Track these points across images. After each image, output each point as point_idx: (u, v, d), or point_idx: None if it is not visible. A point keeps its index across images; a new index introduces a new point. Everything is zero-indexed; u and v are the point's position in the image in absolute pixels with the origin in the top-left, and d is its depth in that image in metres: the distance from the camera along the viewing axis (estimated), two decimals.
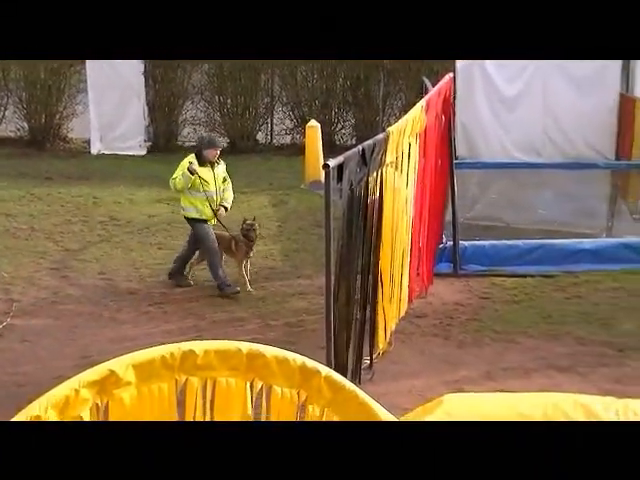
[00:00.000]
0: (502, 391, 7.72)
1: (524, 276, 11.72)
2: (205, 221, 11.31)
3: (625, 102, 19.67)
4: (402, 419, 5.30)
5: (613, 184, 19.37)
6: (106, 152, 21.49)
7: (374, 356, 8.78)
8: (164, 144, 22.10)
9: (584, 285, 11.46)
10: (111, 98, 21.07)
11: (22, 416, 3.84)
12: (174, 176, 11.19)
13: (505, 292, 11.23)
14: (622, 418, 5.73)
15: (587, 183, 18.15)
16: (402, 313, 9.86)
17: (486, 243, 12.47)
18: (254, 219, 11.59)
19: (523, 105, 19.39)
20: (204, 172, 11.24)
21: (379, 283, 8.72)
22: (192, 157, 11.30)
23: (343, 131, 22.81)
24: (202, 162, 11.26)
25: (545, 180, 18.16)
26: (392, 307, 9.27)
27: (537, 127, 19.64)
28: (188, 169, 11.03)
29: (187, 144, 22.84)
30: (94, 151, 21.63)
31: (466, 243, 12.24)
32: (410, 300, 10.37)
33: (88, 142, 21.94)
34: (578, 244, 12.45)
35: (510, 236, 13.10)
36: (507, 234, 13.47)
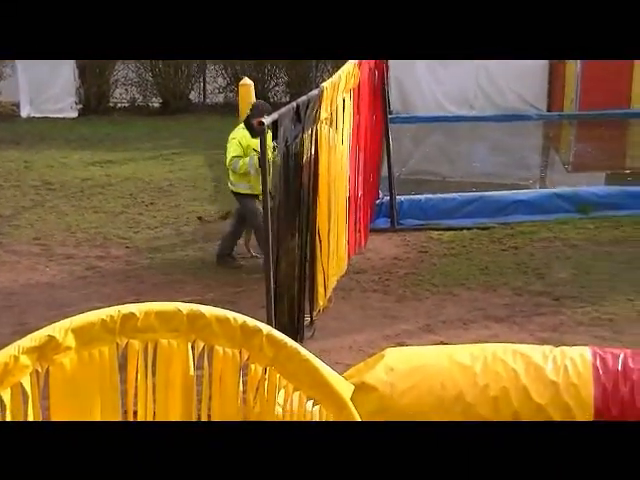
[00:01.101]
0: (442, 343, 7.82)
1: (460, 229, 11.81)
2: (257, 196, 10.25)
3: None
4: (344, 375, 5.34)
5: (545, 135, 19.56)
6: (36, 115, 21.18)
7: (314, 313, 8.81)
8: (96, 105, 21.83)
9: (519, 236, 11.59)
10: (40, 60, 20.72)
11: None
12: (233, 154, 10.21)
13: (442, 245, 11.32)
14: (559, 365, 5.84)
15: (520, 135, 18.32)
16: (341, 269, 9.89)
17: (422, 197, 12.52)
18: None
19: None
20: (256, 144, 10.11)
21: (317, 240, 8.73)
22: (243, 130, 10.30)
23: (277, 88, 22.70)
24: (253, 133, 9.98)
25: (479, 133, 18.30)
26: (331, 264, 9.29)
27: (470, 81, 19.73)
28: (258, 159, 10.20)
29: (119, 105, 22.61)
30: (24, 114, 21.30)
31: (402, 198, 12.29)
32: (349, 256, 10.40)
33: (17, 105, 21.59)
34: (513, 196, 12.57)
35: (446, 190, 13.20)
36: (443, 188, 13.58)
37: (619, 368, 6.20)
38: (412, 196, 12.52)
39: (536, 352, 5.95)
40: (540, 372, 5.71)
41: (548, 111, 20.06)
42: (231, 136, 10.40)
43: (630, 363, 6.26)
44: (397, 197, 12.10)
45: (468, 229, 11.80)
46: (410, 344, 7.76)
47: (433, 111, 19.49)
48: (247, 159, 10.14)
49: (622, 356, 6.34)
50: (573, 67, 19.08)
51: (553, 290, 9.68)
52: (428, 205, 12.34)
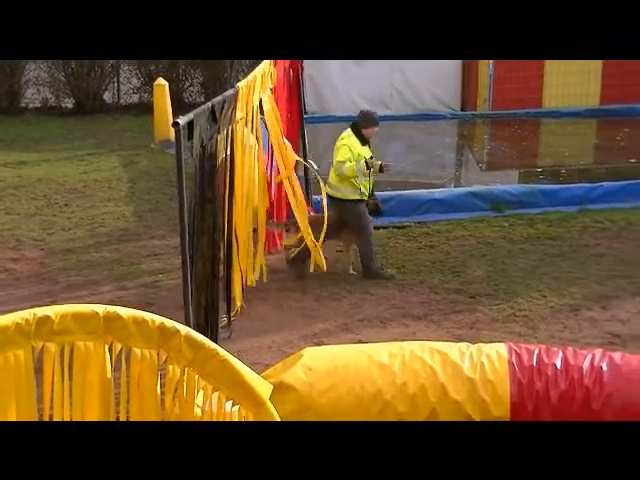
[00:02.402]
0: (360, 342, 7.87)
1: (377, 228, 11.85)
2: (363, 201, 10.33)
3: None
4: (263, 375, 5.34)
5: (460, 134, 19.79)
6: None
7: (232, 313, 8.78)
8: (7, 106, 21.46)
9: (435, 235, 11.70)
10: None
11: None
12: (340, 158, 10.08)
13: None
14: (476, 361, 5.91)
15: (435, 134, 18.51)
16: (258, 269, 9.87)
17: None
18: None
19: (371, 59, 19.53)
20: (365, 152, 10.21)
21: (234, 240, 8.71)
22: (351, 134, 10.21)
23: (191, 89, 22.59)
24: (361, 140, 10.21)
25: (395, 132, 18.42)
26: (248, 263, 9.27)
27: (385, 81, 19.85)
28: (366, 162, 10.10)
29: (31, 106, 22.24)
30: None
31: (318, 197, 12.29)
32: (267, 256, 10.38)
33: None
34: (428, 194, 12.67)
35: None
36: None
37: (534, 364, 6.30)
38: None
39: (453, 349, 6.01)
40: (457, 369, 5.77)
41: (462, 111, 20.30)
42: (342, 142, 10.24)
43: (544, 358, 6.37)
44: (314, 196, 12.10)
45: (384, 228, 11.86)
46: (328, 343, 7.77)
47: (349, 111, 19.55)
48: (354, 164, 10.00)
49: (537, 352, 6.44)
50: (485, 68, 19.36)
51: (469, 288, 9.79)
52: None
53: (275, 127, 9.90)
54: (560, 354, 6.45)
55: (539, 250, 11.01)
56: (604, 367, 6.34)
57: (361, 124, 10.25)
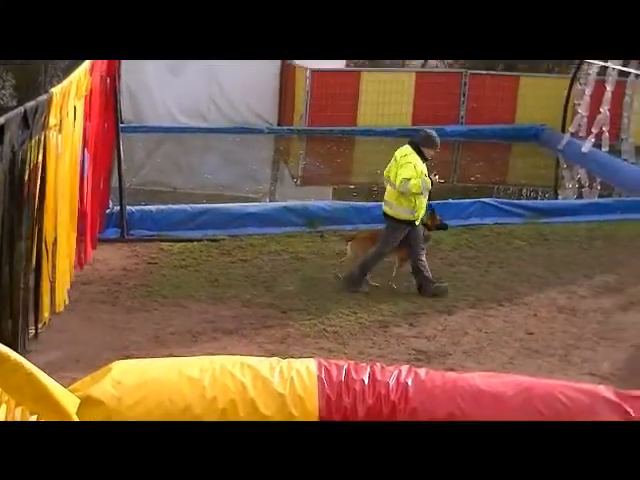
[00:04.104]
0: (171, 355, 7.80)
1: (191, 240, 11.82)
2: (414, 224, 10.34)
3: (286, 70, 20.26)
4: (70, 388, 5.22)
5: (276, 149, 19.93)
6: None
7: (40, 325, 8.55)
8: None
9: (249, 249, 11.73)
10: None
11: None
12: (407, 176, 10.05)
13: (172, 257, 11.28)
14: (286, 377, 5.95)
15: (252, 148, 18.59)
16: (68, 280, 9.66)
17: (153, 208, 12.43)
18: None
19: (189, 71, 19.44)
20: (425, 170, 10.26)
21: (44, 250, 8.49)
22: (412, 152, 10.20)
23: (3, 91, 21.90)
24: (422, 157, 10.25)
25: (211, 145, 18.42)
26: (58, 274, 9.05)
27: (203, 93, 19.81)
28: (430, 178, 10.19)
29: None
30: None
31: (133, 208, 12.15)
32: (76, 267, 10.17)
33: None
34: (243, 208, 12.70)
35: (177, 201, 13.17)
36: (174, 199, 13.55)
37: (342, 379, 6.40)
38: (143, 207, 12.41)
39: (264, 364, 6.03)
40: (267, 384, 5.80)
41: (279, 125, 20.46)
42: (405, 159, 10.17)
43: (353, 374, 6.48)
44: (128, 207, 11.95)
45: (198, 241, 11.82)
46: (139, 356, 7.65)
47: (165, 121, 19.42)
48: (419, 180, 9.99)
49: (345, 367, 6.55)
50: (303, 83, 19.57)
51: (281, 303, 9.87)
52: (159, 216, 12.26)
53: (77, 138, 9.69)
54: (368, 370, 6.57)
55: (350, 266, 11.18)
56: (409, 383, 6.50)
57: (423, 143, 10.28)
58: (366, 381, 6.44)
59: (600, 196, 16.04)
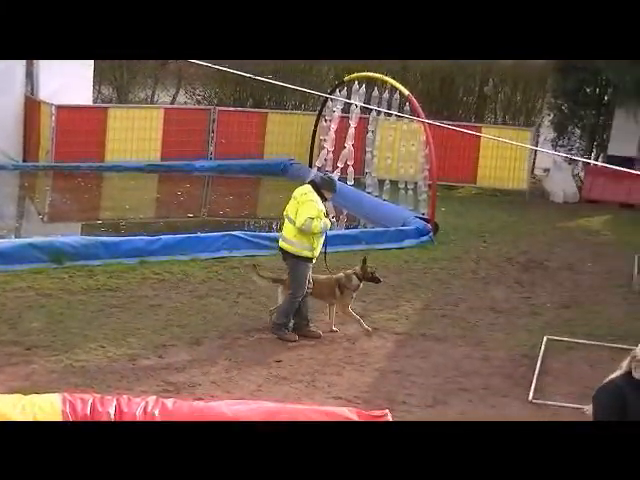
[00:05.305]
0: None
1: None
2: (311, 260, 10.50)
3: (31, 105, 19.80)
4: None
5: (21, 185, 19.35)
6: None
7: None
8: None
9: None
10: None
11: None
12: (309, 215, 10.26)
13: None
14: (28, 413, 5.83)
15: None
16: None
17: None
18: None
19: None
20: (323, 210, 10.56)
21: None
22: (312, 191, 10.49)
23: None
24: (321, 197, 10.55)
25: None
26: None
27: None
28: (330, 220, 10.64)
29: None
30: None
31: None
32: None
33: None
34: None
35: None
36: None
37: (88, 413, 6.32)
38: None
39: (5, 401, 5.88)
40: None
41: (24, 161, 19.91)
42: (307, 197, 10.42)
43: (98, 407, 6.42)
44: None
45: None
46: None
47: None
48: (321, 222, 10.30)
49: (91, 401, 6.47)
50: (48, 119, 19.16)
51: (25, 340, 9.61)
52: None
53: None
54: (114, 402, 6.52)
55: (99, 301, 11.04)
56: (156, 413, 6.50)
57: (323, 186, 10.61)
58: (112, 414, 6.39)
59: (346, 228, 16.55)
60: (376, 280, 11.06)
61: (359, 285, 10.90)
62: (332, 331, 10.80)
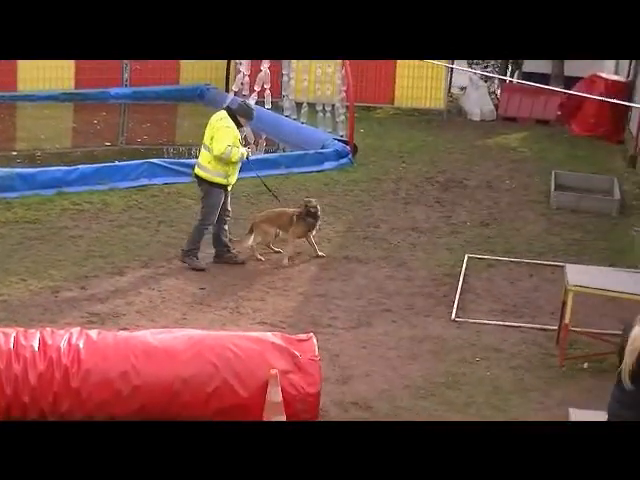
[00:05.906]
0: None
1: None
2: (226, 187, 10.47)
3: None
4: None
5: None
6: None
7: None
8: None
9: None
10: None
11: None
12: (229, 142, 10.17)
13: None
14: None
15: None
16: None
17: None
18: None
19: None
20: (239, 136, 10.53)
21: None
22: (228, 117, 10.36)
23: None
24: (237, 124, 10.43)
25: None
26: None
27: None
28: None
29: None
30: None
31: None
32: None
33: None
34: None
35: None
36: None
37: (11, 347, 6.31)
38: None
39: None
40: None
41: None
42: (223, 123, 10.30)
43: (22, 341, 6.40)
44: None
45: None
46: None
47: None
48: (241, 149, 10.32)
49: (14, 335, 6.45)
50: None
51: None
52: None
53: None
54: (38, 335, 6.51)
55: (18, 234, 10.90)
56: (81, 345, 6.51)
57: (240, 112, 10.48)
58: (36, 347, 6.38)
59: (266, 152, 16.47)
60: (316, 217, 11.05)
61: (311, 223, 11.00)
62: (318, 256, 10.96)
